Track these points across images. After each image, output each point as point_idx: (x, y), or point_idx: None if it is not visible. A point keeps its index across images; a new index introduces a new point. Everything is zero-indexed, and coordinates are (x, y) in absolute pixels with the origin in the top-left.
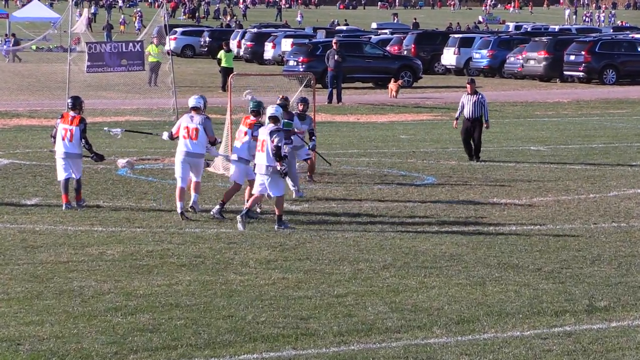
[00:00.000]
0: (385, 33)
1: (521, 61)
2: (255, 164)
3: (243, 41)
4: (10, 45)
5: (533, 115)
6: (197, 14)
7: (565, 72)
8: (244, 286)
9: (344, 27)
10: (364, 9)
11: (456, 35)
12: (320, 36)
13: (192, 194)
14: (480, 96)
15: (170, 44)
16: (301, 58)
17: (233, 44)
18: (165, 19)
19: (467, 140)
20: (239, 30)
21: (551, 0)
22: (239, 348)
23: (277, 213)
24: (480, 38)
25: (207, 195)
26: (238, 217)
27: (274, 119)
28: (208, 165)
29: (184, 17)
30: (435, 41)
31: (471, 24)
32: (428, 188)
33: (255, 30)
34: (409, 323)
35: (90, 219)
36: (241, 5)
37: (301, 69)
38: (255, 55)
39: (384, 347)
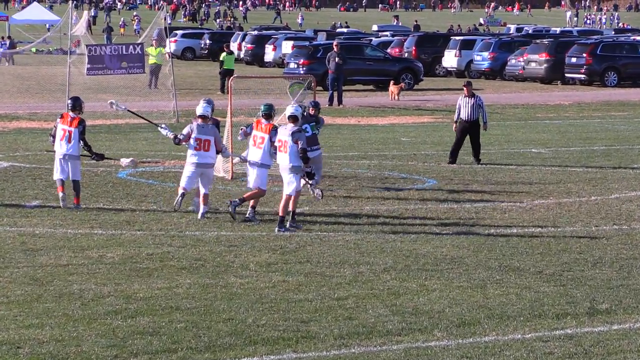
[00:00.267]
0: (386, 35)
1: (522, 63)
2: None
3: (243, 44)
4: (7, 48)
5: (534, 118)
6: (197, 17)
7: (567, 75)
8: (245, 289)
9: (345, 30)
10: (365, 11)
11: (457, 38)
12: (321, 38)
13: (201, 206)
14: (477, 98)
15: (171, 46)
16: (302, 60)
17: (234, 47)
18: (168, 21)
19: (460, 141)
20: (240, 32)
21: (552, 2)
22: (240, 351)
23: (282, 213)
24: (482, 40)
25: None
26: (287, 224)
27: (293, 118)
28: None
29: (185, 19)
30: (436, 43)
31: (472, 26)
32: (429, 191)
33: (255, 32)
34: (409, 326)
35: (90, 221)
36: (241, 8)
37: (302, 72)
38: (255, 58)
39: (385, 350)
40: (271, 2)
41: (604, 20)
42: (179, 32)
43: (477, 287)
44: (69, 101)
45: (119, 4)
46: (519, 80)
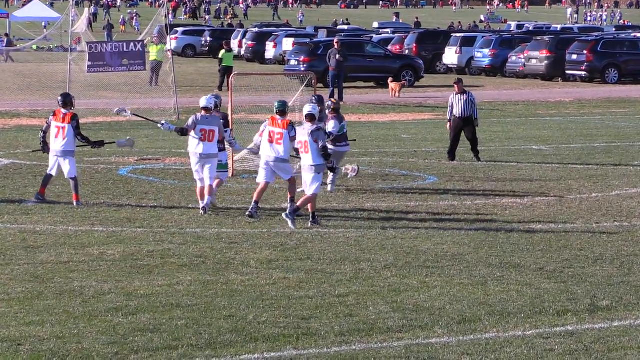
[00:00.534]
0: (387, 32)
1: (523, 60)
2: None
3: (244, 41)
4: (4, 45)
5: (535, 115)
6: (197, 13)
7: (568, 72)
8: (245, 286)
9: (346, 27)
10: (366, 8)
11: (458, 35)
12: (322, 35)
13: (206, 196)
14: (469, 95)
15: (171, 43)
16: (302, 57)
17: (234, 44)
18: (170, 18)
19: (456, 139)
20: (240, 29)
21: None
22: (240, 348)
23: (311, 209)
24: (482, 37)
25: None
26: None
27: (310, 117)
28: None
29: (185, 16)
30: (437, 40)
31: (473, 23)
32: (430, 188)
33: (256, 29)
34: (410, 323)
35: (91, 219)
36: (242, 5)
37: (302, 69)
38: (256, 55)
39: (386, 347)
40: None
41: (604, 17)
42: (180, 29)
43: (478, 284)
44: (60, 98)
45: (119, 1)
46: (520, 77)
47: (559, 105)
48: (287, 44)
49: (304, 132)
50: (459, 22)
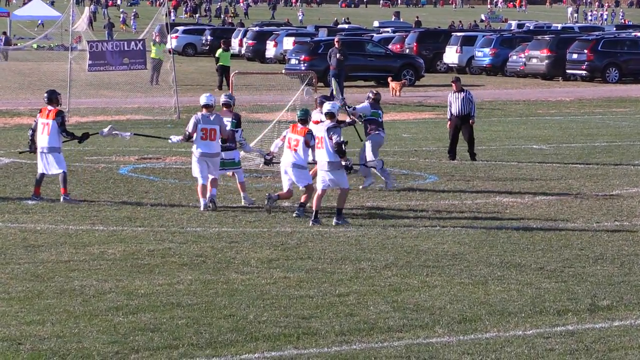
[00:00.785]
0: (388, 31)
1: (524, 59)
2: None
3: (245, 40)
4: (2, 44)
5: (535, 114)
6: (197, 12)
7: (568, 71)
8: (246, 285)
9: (346, 26)
10: (366, 7)
11: (458, 34)
12: (322, 34)
13: (210, 188)
14: (467, 93)
15: (172, 42)
16: (303, 56)
17: (235, 43)
18: (171, 17)
19: (455, 137)
20: (241, 28)
21: None
22: (241, 347)
23: (337, 206)
24: (483, 36)
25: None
26: (311, 222)
27: (330, 115)
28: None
29: (186, 15)
30: (438, 39)
31: (473, 22)
32: (430, 187)
33: (257, 28)
34: (411, 322)
35: (92, 217)
36: (242, 4)
37: (303, 68)
38: (257, 54)
39: (386, 346)
40: None
41: (605, 17)
42: (180, 28)
43: (479, 283)
44: (45, 95)
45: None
46: (520, 76)
47: (559, 104)
48: (288, 43)
49: (321, 129)
50: (460, 21)
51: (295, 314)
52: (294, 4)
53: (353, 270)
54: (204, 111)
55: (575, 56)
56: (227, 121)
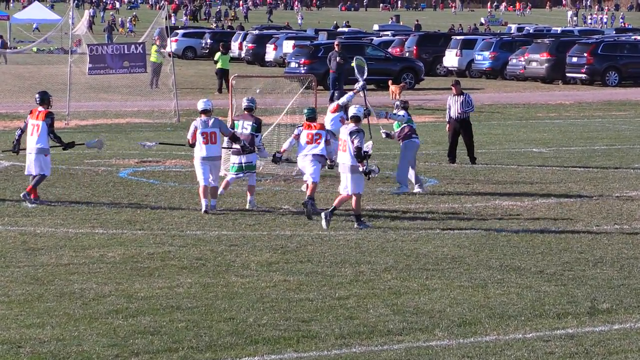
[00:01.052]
0: (387, 35)
1: (523, 63)
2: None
3: (244, 43)
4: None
5: (535, 117)
6: (197, 16)
7: (568, 74)
8: (245, 289)
9: (346, 29)
10: (366, 10)
11: (458, 37)
12: (322, 38)
13: (204, 197)
14: (466, 96)
15: (172, 45)
16: (303, 60)
17: (235, 46)
18: (172, 20)
19: (454, 140)
20: (241, 32)
21: (553, 1)
22: (240, 351)
23: (355, 212)
24: (483, 40)
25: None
26: (322, 214)
27: (355, 119)
28: (288, 159)
29: (185, 18)
30: (437, 43)
31: (473, 25)
32: (430, 190)
33: (256, 32)
34: (410, 325)
35: (91, 221)
36: (242, 7)
37: (302, 71)
38: (256, 57)
39: (386, 349)
40: (271, 1)
41: (605, 20)
42: (180, 31)
43: (478, 286)
44: (37, 95)
45: (117, 3)
46: (520, 79)
47: (559, 107)
48: (288, 47)
49: (345, 131)
50: (459, 25)
51: (295, 317)
52: (296, 8)
53: (353, 273)
54: (202, 117)
55: (575, 59)
56: (248, 125)
